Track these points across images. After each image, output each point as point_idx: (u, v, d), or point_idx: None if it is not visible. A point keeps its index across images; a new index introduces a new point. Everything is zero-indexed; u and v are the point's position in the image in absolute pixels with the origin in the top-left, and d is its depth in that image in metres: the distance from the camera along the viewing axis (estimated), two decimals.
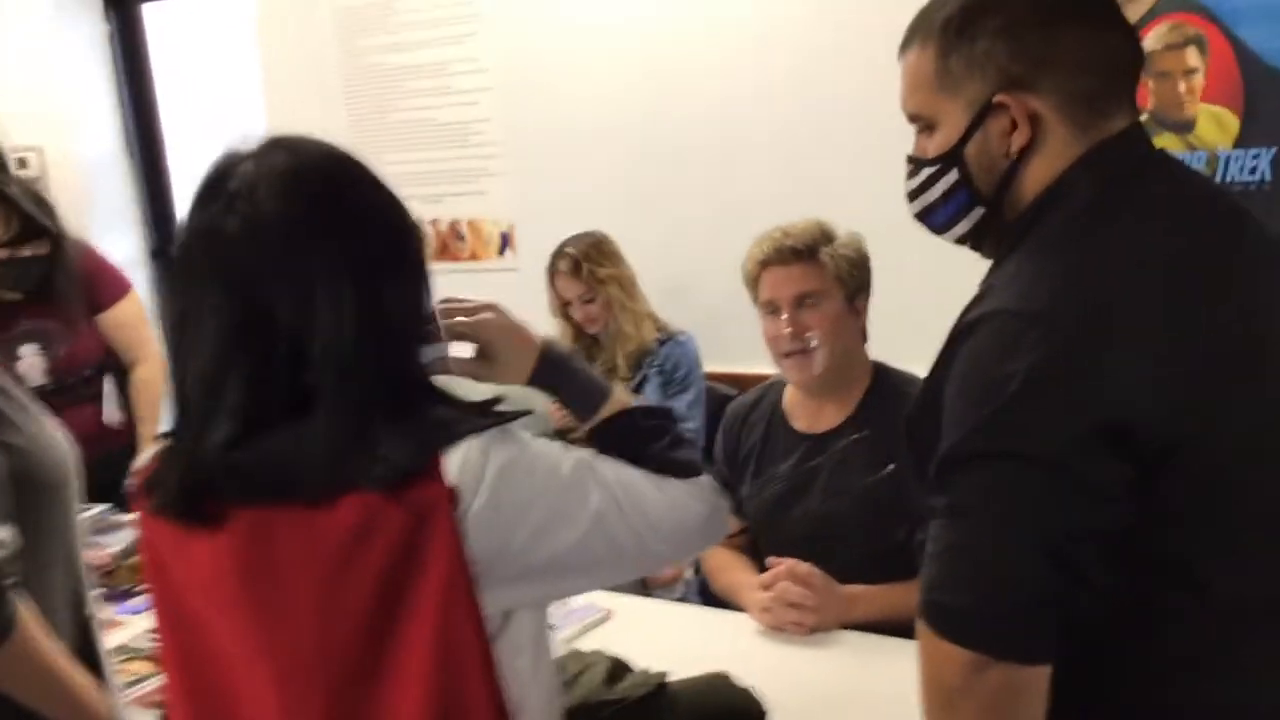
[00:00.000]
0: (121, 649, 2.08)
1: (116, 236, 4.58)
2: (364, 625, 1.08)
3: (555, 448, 1.18)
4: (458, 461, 1.08)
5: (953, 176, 1.23)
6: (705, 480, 1.27)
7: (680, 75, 3.35)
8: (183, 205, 4.63)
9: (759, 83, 3.23)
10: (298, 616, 1.10)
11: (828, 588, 2.00)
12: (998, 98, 1.18)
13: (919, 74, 1.24)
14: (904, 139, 2.94)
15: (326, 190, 1.11)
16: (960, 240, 1.29)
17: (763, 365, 2.70)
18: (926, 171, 1.26)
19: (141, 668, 2.03)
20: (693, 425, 3.06)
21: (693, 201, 3.38)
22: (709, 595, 2.46)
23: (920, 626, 1.11)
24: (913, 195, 1.30)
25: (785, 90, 3.19)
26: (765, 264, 2.14)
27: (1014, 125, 1.18)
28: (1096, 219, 1.14)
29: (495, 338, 1.29)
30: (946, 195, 1.25)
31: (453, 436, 1.09)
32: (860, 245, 2.19)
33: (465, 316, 1.29)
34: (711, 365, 3.20)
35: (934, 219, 1.29)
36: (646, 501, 1.19)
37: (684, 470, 1.24)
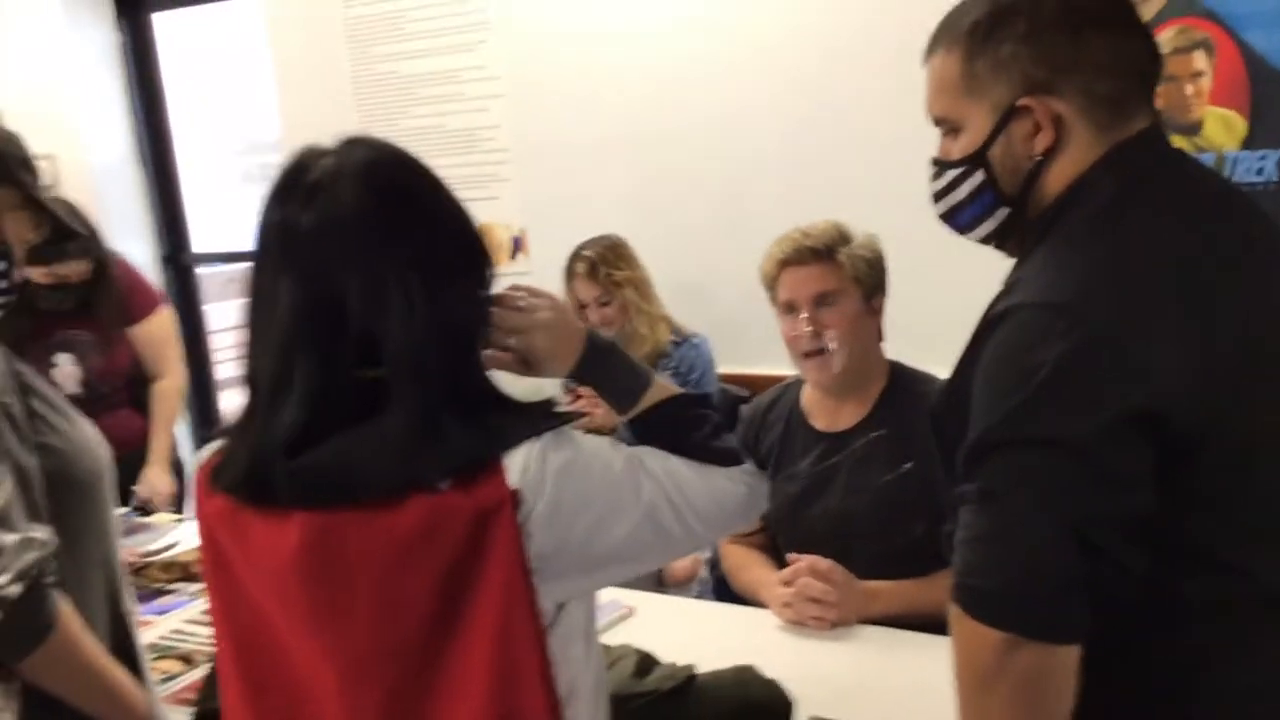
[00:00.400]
0: (151, 647, 2.11)
1: (128, 243, 4.59)
2: (425, 624, 1.11)
3: (606, 445, 1.21)
4: (518, 465, 1.12)
5: (978, 177, 1.26)
6: (745, 466, 1.30)
7: (690, 79, 3.37)
8: (194, 212, 4.67)
9: (770, 86, 3.25)
10: (360, 616, 1.13)
11: (848, 583, 2.03)
12: (1022, 101, 1.21)
13: (944, 78, 1.27)
14: (916, 141, 2.98)
15: (403, 187, 1.15)
16: (985, 240, 1.32)
17: (776, 366, 2.72)
18: (951, 173, 1.29)
19: (171, 665, 2.06)
20: None
21: (705, 204, 3.41)
22: (723, 594, 2.49)
23: (953, 610, 1.14)
24: (938, 196, 1.32)
25: (796, 93, 3.21)
26: (785, 264, 2.17)
27: (1038, 127, 1.21)
28: (1116, 216, 1.18)
29: (538, 342, 1.29)
30: (972, 196, 1.28)
31: (512, 440, 1.13)
32: (876, 246, 2.22)
33: (513, 324, 1.29)
34: (724, 367, 3.23)
35: (959, 219, 1.31)
36: (692, 491, 1.22)
37: (724, 458, 1.27)
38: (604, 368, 1.33)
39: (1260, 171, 2.59)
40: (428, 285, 1.11)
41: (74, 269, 3.05)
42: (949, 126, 1.29)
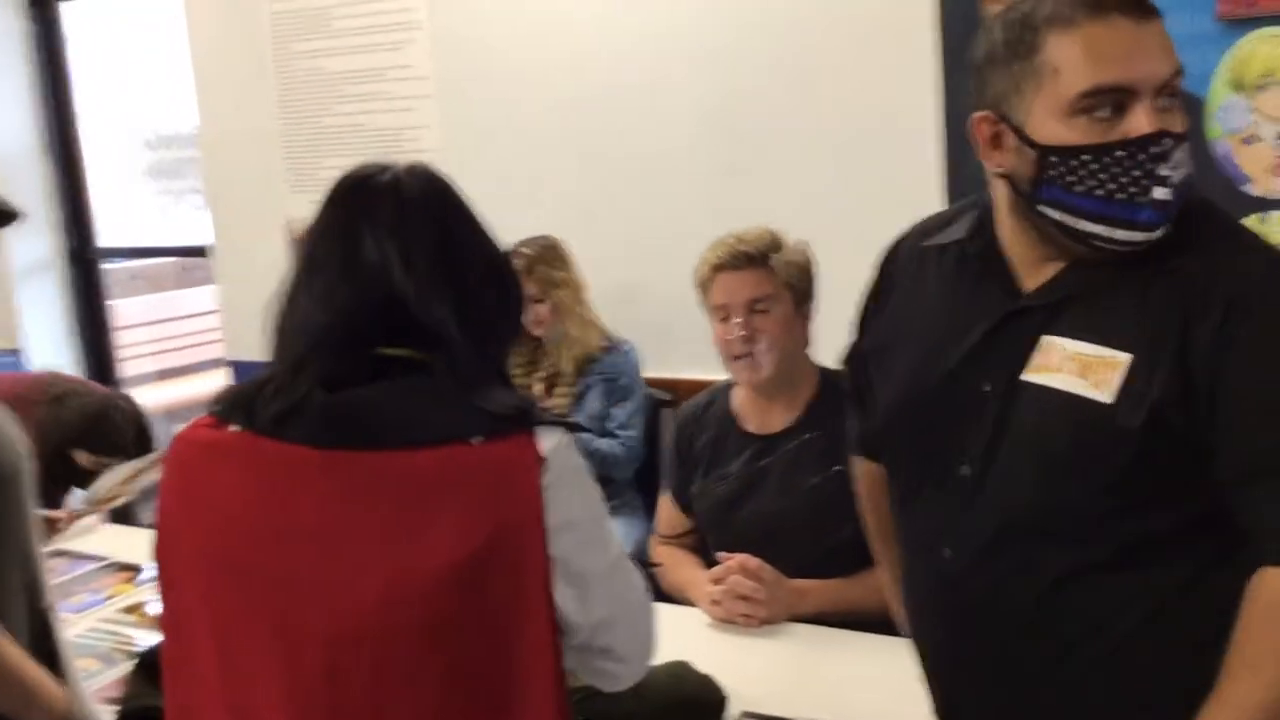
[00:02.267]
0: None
1: (31, 237, 4.48)
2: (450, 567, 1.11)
3: None
4: (549, 441, 1.15)
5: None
6: None
7: (622, 85, 3.37)
8: (100, 205, 4.52)
9: (702, 94, 3.26)
10: (375, 551, 1.12)
11: (776, 581, 2.07)
12: None
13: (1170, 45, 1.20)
14: (850, 150, 3.04)
15: (459, 202, 1.26)
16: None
17: (703, 371, 2.75)
18: (1186, 146, 1.21)
19: (89, 664, 2.02)
20: (633, 434, 3.10)
21: (634, 209, 3.41)
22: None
23: None
24: (1183, 182, 1.20)
25: (728, 102, 3.23)
26: (719, 268, 2.20)
27: None
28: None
29: None
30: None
31: (545, 420, 1.17)
32: (807, 253, 2.27)
33: None
34: (650, 371, 3.24)
35: (1180, 198, 1.22)
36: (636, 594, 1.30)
37: None
38: None
39: None
40: (479, 284, 1.22)
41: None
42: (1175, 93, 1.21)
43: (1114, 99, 1.18)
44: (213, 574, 1.18)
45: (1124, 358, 1.20)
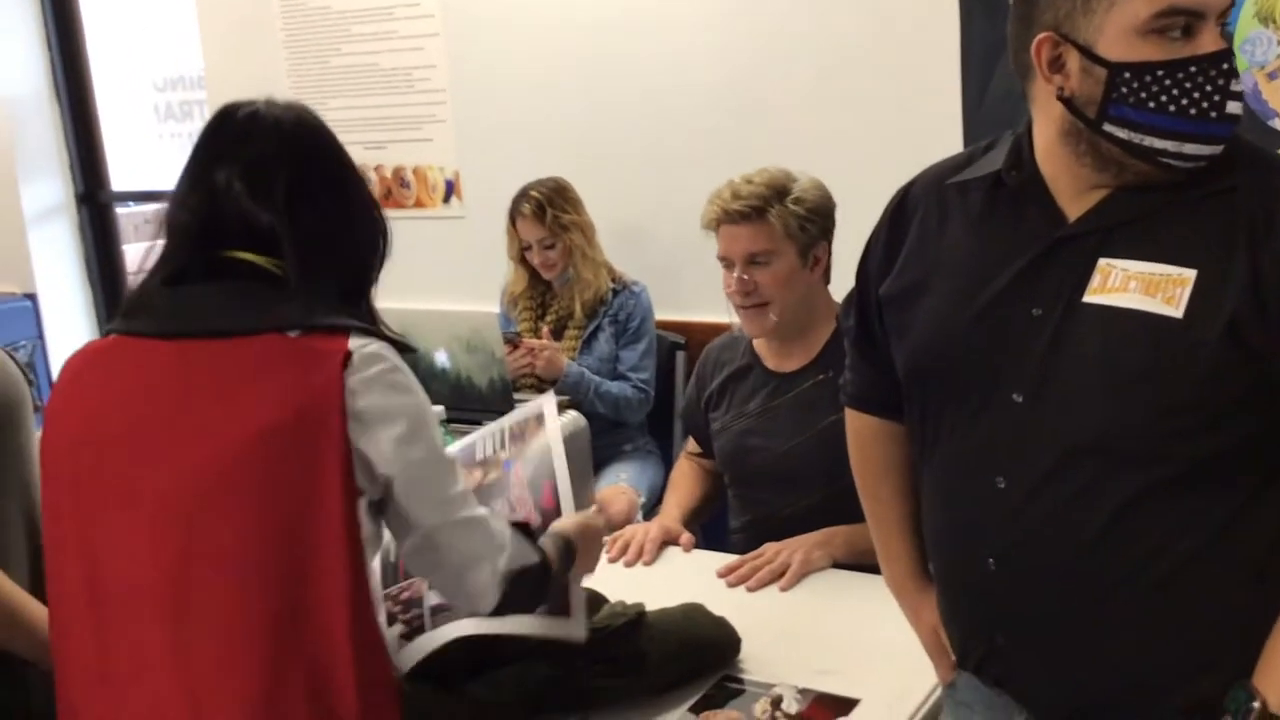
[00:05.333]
0: None
1: (43, 180, 4.47)
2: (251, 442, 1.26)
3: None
4: (358, 342, 1.29)
5: None
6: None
7: (631, 22, 3.33)
8: (112, 148, 4.49)
9: (711, 29, 3.22)
10: (203, 423, 1.27)
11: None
12: None
13: None
14: (860, 83, 2.96)
15: (324, 128, 1.41)
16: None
17: (710, 314, 2.73)
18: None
19: None
20: (645, 375, 3.09)
21: (642, 150, 3.38)
22: None
23: None
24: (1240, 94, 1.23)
25: (738, 35, 3.19)
26: (718, 220, 2.19)
27: None
28: None
29: None
30: None
31: (364, 330, 1.32)
32: (819, 192, 2.21)
33: None
34: (660, 313, 3.23)
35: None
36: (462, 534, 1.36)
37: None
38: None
39: None
40: (332, 193, 1.37)
41: None
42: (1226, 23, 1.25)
43: (1186, 20, 1.20)
44: (81, 457, 1.33)
45: (1189, 273, 1.21)
